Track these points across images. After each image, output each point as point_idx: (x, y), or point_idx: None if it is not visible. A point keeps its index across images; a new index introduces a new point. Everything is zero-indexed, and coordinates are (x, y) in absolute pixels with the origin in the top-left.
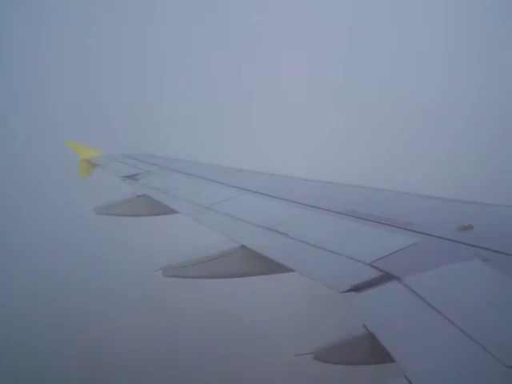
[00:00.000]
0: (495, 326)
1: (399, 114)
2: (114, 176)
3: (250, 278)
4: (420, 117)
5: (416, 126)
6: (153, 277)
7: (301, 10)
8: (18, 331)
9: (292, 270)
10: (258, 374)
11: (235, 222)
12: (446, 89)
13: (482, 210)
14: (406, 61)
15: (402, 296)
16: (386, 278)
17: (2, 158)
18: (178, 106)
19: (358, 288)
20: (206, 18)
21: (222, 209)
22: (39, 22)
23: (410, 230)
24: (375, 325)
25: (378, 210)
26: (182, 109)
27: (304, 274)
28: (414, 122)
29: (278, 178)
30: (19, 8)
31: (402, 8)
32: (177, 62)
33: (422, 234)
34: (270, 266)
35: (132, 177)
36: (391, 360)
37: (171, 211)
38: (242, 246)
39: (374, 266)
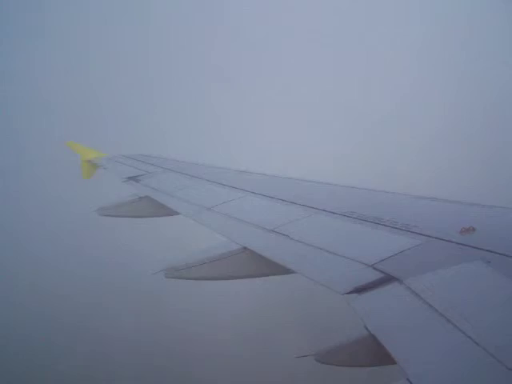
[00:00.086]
0: (497, 328)
1: (399, 114)
2: (116, 177)
3: (251, 280)
4: (421, 117)
5: (417, 127)
6: (155, 278)
7: (301, 10)
8: (18, 329)
9: (294, 272)
10: (259, 374)
11: (237, 224)
12: (446, 89)
13: (484, 212)
14: (406, 61)
15: (404, 298)
16: (388, 279)
17: (4, 159)
18: (179, 107)
19: (359, 290)
20: (206, 17)
21: (224, 210)
22: (39, 22)
23: (412, 232)
24: (377, 327)
25: (380, 211)
26: (183, 109)
27: (306, 276)
28: (414, 123)
29: (279, 180)
30: (19, 8)
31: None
32: (177, 61)
33: (424, 235)
34: (271, 268)
35: (134, 178)
36: (393, 362)
37: (173, 213)
38: (244, 248)
39: (376, 268)
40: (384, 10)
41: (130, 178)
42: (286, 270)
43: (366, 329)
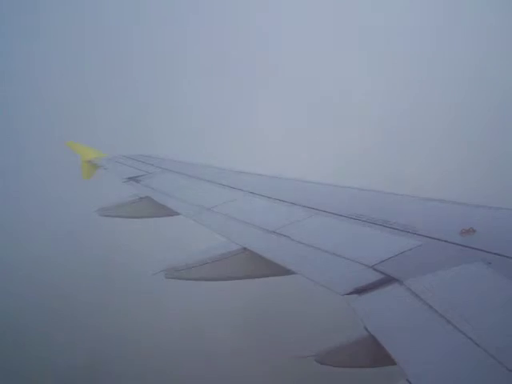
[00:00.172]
0: (498, 329)
1: (399, 114)
2: (116, 177)
3: (251, 280)
4: (422, 119)
5: (418, 128)
6: (155, 278)
7: (301, 11)
8: (18, 327)
9: (294, 273)
10: (258, 375)
11: (237, 224)
12: (447, 90)
13: (485, 213)
14: (407, 60)
15: (404, 299)
16: (388, 280)
17: (4, 159)
18: (179, 107)
19: (360, 290)
20: (206, 17)
21: (224, 211)
22: (40, 22)
23: (413, 233)
24: (377, 327)
25: (381, 212)
26: (183, 110)
27: (306, 277)
28: (415, 123)
29: (279, 180)
30: (20, 7)
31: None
32: (176, 61)
33: (425, 236)
34: (272, 269)
35: (134, 178)
36: (392, 363)
37: (173, 213)
38: (244, 249)
39: (376, 269)
40: (397, 9)
41: (130, 179)
42: (286, 271)
43: (366, 330)
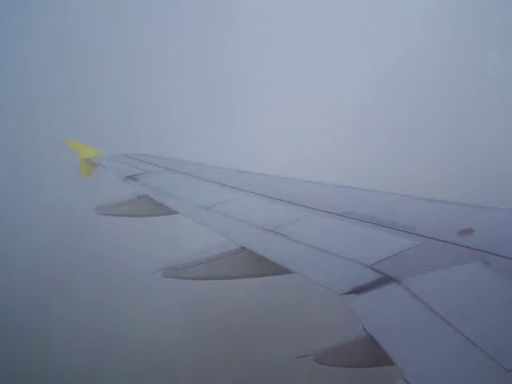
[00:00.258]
0: (495, 329)
1: (399, 115)
2: (115, 176)
3: (249, 280)
4: (422, 119)
5: (417, 128)
6: (153, 277)
7: (301, 10)
8: (17, 329)
9: (292, 272)
10: (257, 374)
11: (235, 223)
12: (446, 90)
13: (483, 213)
14: (407, 60)
15: (402, 299)
16: (386, 280)
17: (3, 158)
18: (179, 107)
19: (358, 290)
20: (205, 17)
21: (222, 210)
22: (38, 20)
23: (411, 233)
24: (375, 327)
25: (379, 212)
26: (182, 109)
27: (304, 276)
28: (415, 124)
29: (278, 180)
30: (20, 6)
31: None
32: (176, 61)
33: (423, 236)
34: (270, 268)
35: (133, 177)
36: (390, 363)
37: (171, 212)
38: (242, 248)
39: (374, 269)
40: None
41: (128, 177)
42: (284, 270)
43: (364, 329)
